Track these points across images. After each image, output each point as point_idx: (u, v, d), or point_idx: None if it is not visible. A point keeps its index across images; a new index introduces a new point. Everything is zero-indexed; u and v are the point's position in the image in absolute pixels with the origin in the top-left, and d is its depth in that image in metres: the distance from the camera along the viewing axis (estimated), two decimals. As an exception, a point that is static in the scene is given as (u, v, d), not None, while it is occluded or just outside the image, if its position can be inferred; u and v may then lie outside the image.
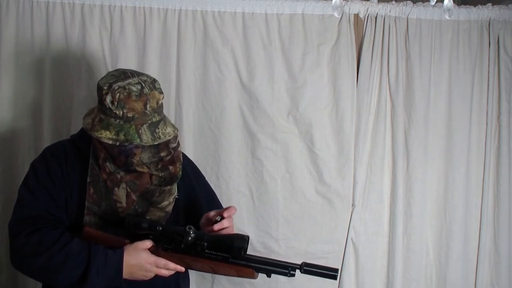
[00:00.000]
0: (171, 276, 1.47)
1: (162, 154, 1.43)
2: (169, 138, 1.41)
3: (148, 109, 1.38)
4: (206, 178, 1.80)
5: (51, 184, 1.42)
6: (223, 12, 2.03)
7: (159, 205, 1.46)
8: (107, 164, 1.41)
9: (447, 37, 2.11)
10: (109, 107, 1.36)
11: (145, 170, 1.41)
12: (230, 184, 2.06)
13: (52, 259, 1.33)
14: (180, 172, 1.49)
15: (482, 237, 2.13)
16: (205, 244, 1.40)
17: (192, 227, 1.41)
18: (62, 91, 1.98)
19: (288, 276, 1.41)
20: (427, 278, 2.14)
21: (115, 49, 1.99)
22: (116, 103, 1.35)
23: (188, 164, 1.68)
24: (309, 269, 1.40)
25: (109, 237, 1.42)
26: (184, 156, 1.72)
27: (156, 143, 1.38)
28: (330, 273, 1.40)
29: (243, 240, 1.39)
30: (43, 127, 1.98)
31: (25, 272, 1.43)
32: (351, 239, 2.11)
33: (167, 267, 1.40)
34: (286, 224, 2.08)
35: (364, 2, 2.08)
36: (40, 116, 1.99)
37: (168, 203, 1.48)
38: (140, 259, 1.37)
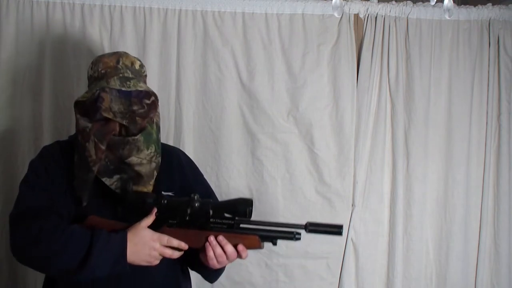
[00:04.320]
0: (170, 275, 1.47)
1: (135, 107, 1.42)
2: (140, 89, 1.43)
3: (120, 64, 1.45)
4: (206, 178, 1.79)
5: (49, 182, 1.42)
6: (223, 12, 2.03)
7: (127, 160, 1.43)
8: (81, 121, 1.43)
9: (447, 37, 2.11)
10: (90, 75, 1.49)
11: (110, 116, 1.40)
12: (230, 184, 2.06)
13: (54, 243, 1.31)
14: (150, 128, 1.46)
15: (482, 237, 2.13)
16: (210, 212, 1.39)
17: (197, 195, 1.40)
18: (62, 91, 1.98)
19: (294, 240, 1.38)
20: (427, 278, 2.14)
21: (115, 49, 1.98)
22: (92, 65, 1.48)
23: (186, 161, 1.67)
24: (314, 228, 1.38)
25: (113, 223, 1.40)
26: (182, 152, 1.72)
27: (123, 88, 1.40)
28: (335, 230, 1.38)
29: (247, 203, 1.38)
30: (43, 127, 1.98)
31: (26, 260, 1.39)
32: (351, 239, 2.11)
33: (171, 244, 1.37)
34: (286, 224, 2.08)
35: (364, 2, 2.08)
36: (40, 116, 1.99)
37: (137, 160, 1.44)
38: (144, 236, 1.35)
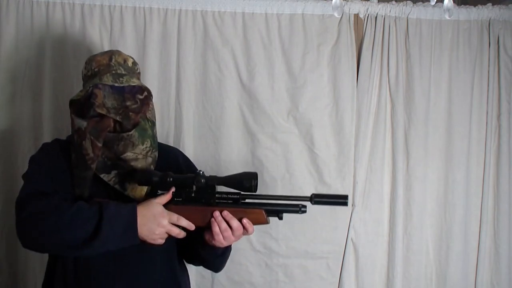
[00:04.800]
0: (168, 268, 1.49)
1: (128, 103, 1.44)
2: (133, 84, 1.44)
3: (112, 61, 1.46)
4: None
5: (50, 175, 1.42)
6: (223, 12, 2.03)
7: (122, 156, 1.43)
8: (76, 121, 1.44)
9: (447, 37, 2.11)
10: (84, 75, 1.50)
11: (104, 111, 1.41)
12: (230, 184, 2.05)
13: (62, 217, 1.30)
14: (144, 124, 1.47)
15: (482, 237, 2.13)
16: (216, 187, 1.40)
17: (203, 171, 1.41)
18: (62, 91, 1.98)
19: (300, 213, 1.38)
20: (427, 277, 2.14)
21: (115, 49, 1.99)
22: (86, 65, 1.50)
23: (184, 160, 1.68)
24: (319, 199, 1.38)
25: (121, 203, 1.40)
26: (180, 152, 1.73)
27: (116, 84, 1.42)
28: (340, 200, 1.39)
29: (252, 176, 1.39)
30: (43, 127, 1.98)
31: (34, 240, 1.34)
32: (351, 239, 2.11)
33: (180, 223, 1.38)
34: (286, 224, 2.07)
35: (364, 2, 2.08)
36: (40, 116, 1.99)
37: (133, 156, 1.44)
38: (153, 210, 1.35)
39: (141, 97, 1.47)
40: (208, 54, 2.04)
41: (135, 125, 1.45)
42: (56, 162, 1.45)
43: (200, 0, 2.02)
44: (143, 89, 1.47)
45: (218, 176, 1.43)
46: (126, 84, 1.44)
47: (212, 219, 1.38)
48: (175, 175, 1.42)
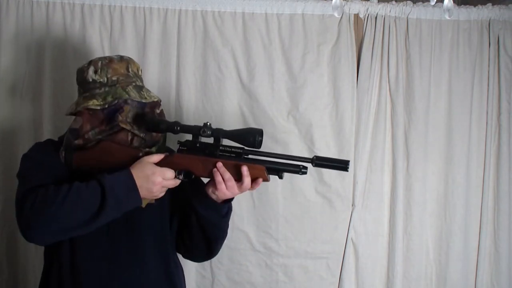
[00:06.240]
0: (161, 263, 1.50)
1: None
2: (155, 100, 1.46)
3: (130, 72, 1.46)
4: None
5: (46, 165, 1.43)
6: (223, 12, 2.03)
7: None
8: (90, 133, 1.42)
9: (447, 37, 2.11)
10: (93, 79, 1.43)
11: (128, 127, 1.42)
12: (230, 184, 2.05)
13: (66, 199, 1.29)
14: (162, 140, 1.49)
15: (482, 237, 2.13)
16: (221, 140, 1.42)
17: (210, 123, 1.43)
18: (62, 91, 1.98)
19: (300, 174, 1.39)
20: (427, 278, 2.14)
21: (115, 49, 1.99)
22: (99, 70, 1.43)
23: None
24: (320, 162, 1.38)
25: (125, 149, 1.43)
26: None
27: (143, 100, 1.43)
28: (341, 165, 1.37)
29: (257, 132, 1.39)
30: (43, 127, 1.98)
31: (40, 231, 1.31)
32: (351, 239, 2.11)
33: (170, 177, 1.39)
34: (286, 224, 2.08)
35: (364, 2, 2.08)
36: (40, 116, 1.99)
37: None
38: (146, 171, 1.36)
39: (158, 111, 1.49)
40: (208, 54, 2.04)
41: (156, 142, 1.48)
42: (50, 159, 1.44)
43: (200, 0, 2.02)
44: (159, 103, 1.50)
45: (224, 129, 1.44)
46: (150, 100, 1.45)
47: (215, 169, 1.39)
48: (183, 124, 1.44)
